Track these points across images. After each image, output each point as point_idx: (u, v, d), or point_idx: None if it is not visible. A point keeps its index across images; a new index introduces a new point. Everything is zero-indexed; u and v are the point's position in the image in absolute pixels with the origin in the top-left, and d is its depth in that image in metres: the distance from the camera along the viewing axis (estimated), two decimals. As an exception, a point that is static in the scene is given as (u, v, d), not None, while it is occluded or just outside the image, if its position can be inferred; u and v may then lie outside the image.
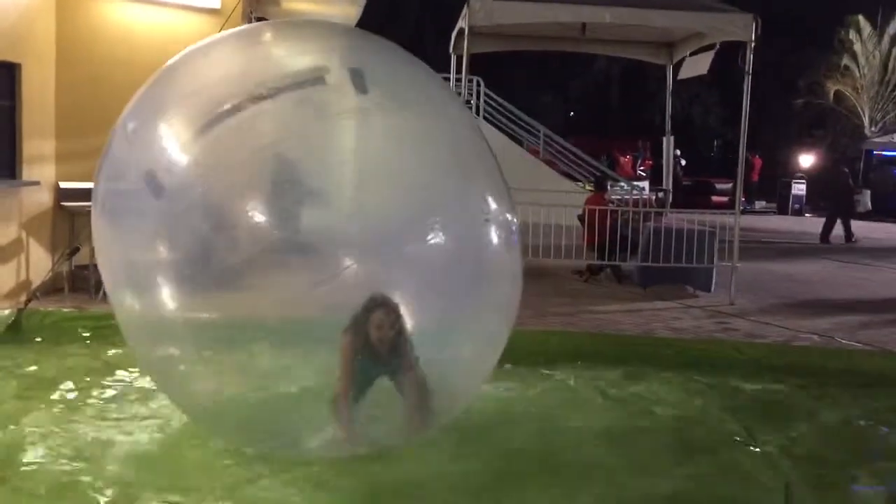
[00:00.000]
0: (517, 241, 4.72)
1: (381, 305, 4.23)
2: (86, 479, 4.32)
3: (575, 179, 19.19)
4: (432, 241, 4.27)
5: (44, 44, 8.70)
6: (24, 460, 4.54)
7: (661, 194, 13.00)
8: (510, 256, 4.63)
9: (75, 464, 4.51)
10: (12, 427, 4.99)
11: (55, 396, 5.57)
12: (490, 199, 4.55)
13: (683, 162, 27.07)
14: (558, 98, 39.37)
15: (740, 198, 10.69)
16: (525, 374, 6.48)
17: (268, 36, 4.84)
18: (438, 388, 4.52)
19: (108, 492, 4.20)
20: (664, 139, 13.59)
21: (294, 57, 4.63)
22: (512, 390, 6.14)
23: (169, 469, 4.51)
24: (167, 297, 4.15)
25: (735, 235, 10.28)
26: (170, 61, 4.68)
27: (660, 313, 9.49)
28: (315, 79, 4.41)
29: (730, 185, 26.87)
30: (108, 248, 4.48)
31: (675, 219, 11.80)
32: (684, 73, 12.06)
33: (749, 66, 10.05)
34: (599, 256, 11.36)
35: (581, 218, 11.79)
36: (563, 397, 6.16)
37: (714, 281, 10.68)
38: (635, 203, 12.83)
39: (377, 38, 4.84)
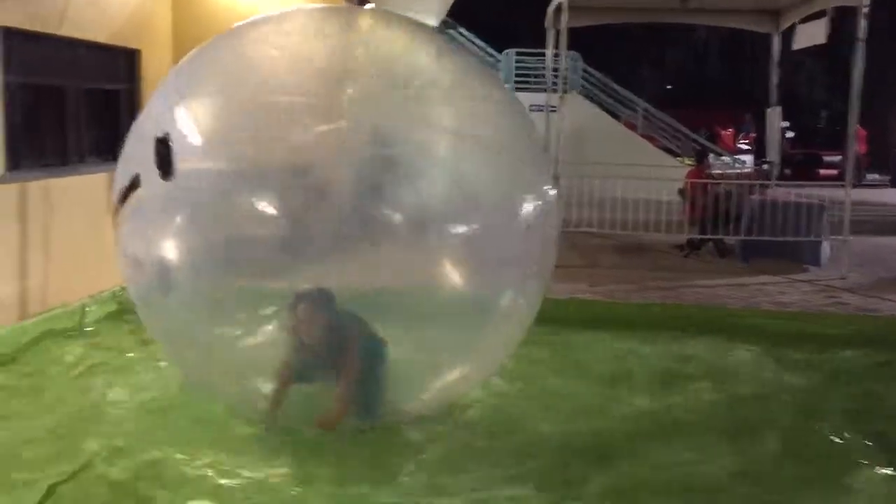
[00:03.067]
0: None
1: (303, 300, 4.18)
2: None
3: (675, 154, 18.84)
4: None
5: (161, 30, 9.11)
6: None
7: (766, 166, 12.63)
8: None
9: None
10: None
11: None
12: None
13: (791, 134, 26.12)
14: (656, 71, 38.49)
15: (852, 169, 10.30)
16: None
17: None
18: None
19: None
20: (768, 110, 13.18)
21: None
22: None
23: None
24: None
25: (846, 208, 9.95)
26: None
27: (765, 287, 9.30)
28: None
29: (839, 158, 25.81)
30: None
31: (782, 192, 11.47)
32: (799, 43, 11.62)
33: (862, 32, 9.67)
34: (701, 231, 11.19)
35: (682, 192, 11.62)
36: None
37: (824, 255, 10.36)
38: (738, 176, 12.50)
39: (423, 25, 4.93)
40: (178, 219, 4.31)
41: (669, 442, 4.69)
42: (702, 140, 20.00)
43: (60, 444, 4.44)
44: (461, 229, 4.28)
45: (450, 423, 4.79)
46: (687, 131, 19.23)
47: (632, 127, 19.75)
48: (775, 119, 12.97)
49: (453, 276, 4.39)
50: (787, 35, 12.70)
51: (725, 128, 28.52)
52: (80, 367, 5.80)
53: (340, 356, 4.36)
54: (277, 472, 4.15)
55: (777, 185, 12.33)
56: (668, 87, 39.03)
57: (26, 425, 4.74)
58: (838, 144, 27.36)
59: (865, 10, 9.59)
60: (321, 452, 4.32)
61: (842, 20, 11.59)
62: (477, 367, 4.81)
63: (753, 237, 10.36)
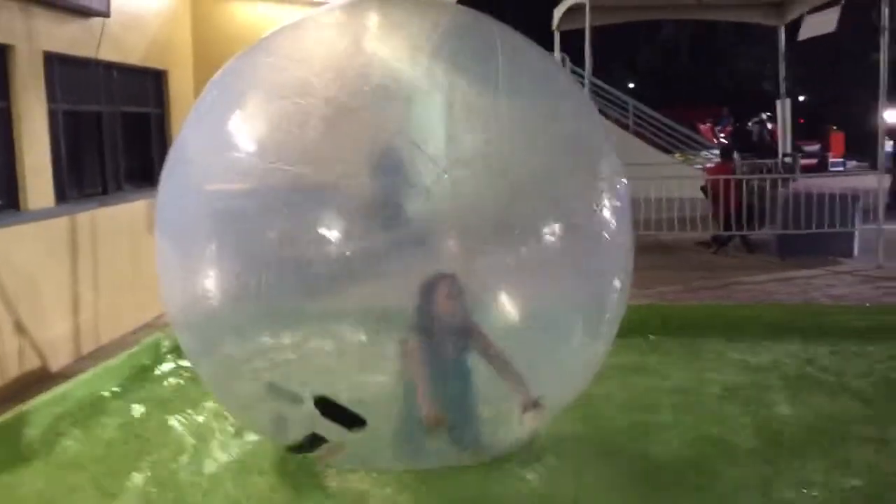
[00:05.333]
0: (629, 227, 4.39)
1: (442, 278, 3.89)
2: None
3: (666, 150, 18.85)
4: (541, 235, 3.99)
5: (183, 49, 8.82)
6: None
7: (788, 159, 12.65)
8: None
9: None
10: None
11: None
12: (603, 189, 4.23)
13: (770, 125, 26.41)
14: (626, 71, 38.73)
15: (883, 154, 10.27)
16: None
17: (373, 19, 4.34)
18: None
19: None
20: (777, 102, 13.22)
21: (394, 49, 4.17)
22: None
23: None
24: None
25: (880, 196, 9.95)
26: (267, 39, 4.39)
27: (812, 281, 9.24)
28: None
29: (817, 147, 26.25)
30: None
31: (804, 184, 11.47)
32: (806, 33, 11.65)
33: (885, 21, 9.70)
34: (726, 227, 11.14)
35: (704, 189, 11.57)
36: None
37: (856, 246, 10.37)
38: (762, 170, 12.45)
39: (482, 17, 4.44)
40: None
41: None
42: (695, 136, 20.01)
43: None
44: (547, 236, 3.99)
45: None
46: (685, 130, 19.24)
47: (623, 126, 19.74)
48: (786, 111, 13.01)
49: (539, 286, 4.06)
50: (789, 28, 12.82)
51: (703, 122, 28.84)
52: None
53: (470, 337, 4.04)
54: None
55: (805, 177, 12.35)
56: (630, 85, 39.30)
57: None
58: (815, 134, 27.85)
59: (889, -2, 9.62)
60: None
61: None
62: (569, 385, 4.39)
63: (789, 231, 10.30)
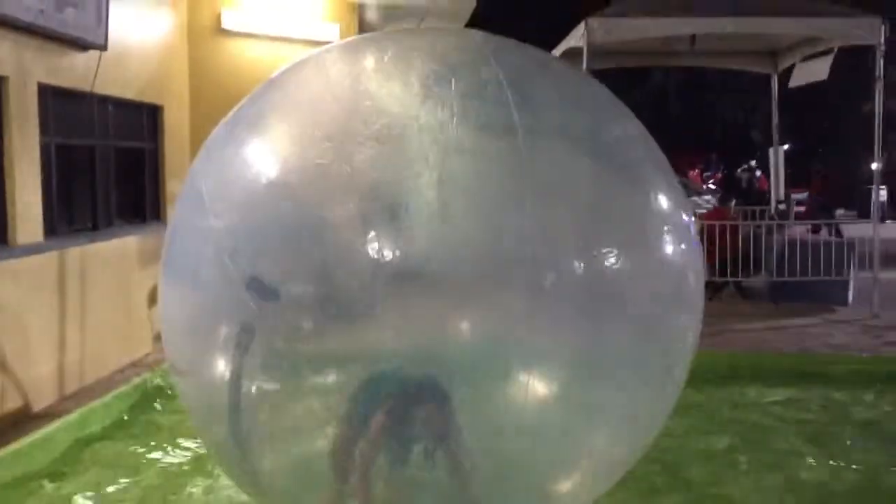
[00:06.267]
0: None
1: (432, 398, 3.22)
2: None
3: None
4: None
5: (179, 84, 8.75)
6: None
7: (782, 206, 12.67)
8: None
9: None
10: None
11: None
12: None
13: (759, 173, 26.61)
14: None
15: (878, 204, 10.28)
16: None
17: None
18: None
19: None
20: (770, 150, 13.27)
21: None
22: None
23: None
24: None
25: (875, 244, 9.91)
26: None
27: (808, 330, 9.16)
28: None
29: (805, 195, 26.46)
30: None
31: (799, 231, 11.47)
32: (798, 80, 11.75)
33: (880, 71, 9.76)
34: (721, 273, 11.08)
35: (699, 234, 11.52)
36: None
37: (851, 294, 10.32)
38: (754, 217, 12.43)
39: (504, 42, 4.03)
40: None
41: None
42: (685, 181, 20.07)
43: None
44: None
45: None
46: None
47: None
48: (779, 158, 13.05)
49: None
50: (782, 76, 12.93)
51: (692, 167, 29.03)
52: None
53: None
54: None
55: (797, 224, 12.35)
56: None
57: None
58: (802, 182, 28.07)
59: (883, 48, 9.69)
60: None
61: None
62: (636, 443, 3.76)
63: (784, 278, 10.25)
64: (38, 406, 6.09)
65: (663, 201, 3.76)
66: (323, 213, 3.55)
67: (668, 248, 3.71)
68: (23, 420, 5.76)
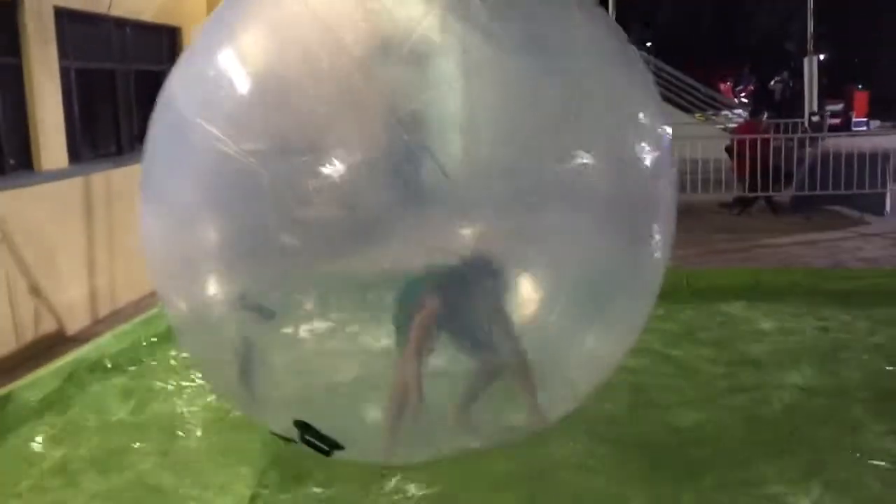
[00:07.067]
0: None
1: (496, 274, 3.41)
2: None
3: (686, 110, 18.43)
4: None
5: (196, 4, 8.59)
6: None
7: (816, 118, 12.33)
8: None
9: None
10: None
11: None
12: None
13: (791, 83, 25.92)
14: (645, 29, 38.05)
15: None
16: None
17: None
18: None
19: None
20: (805, 59, 12.87)
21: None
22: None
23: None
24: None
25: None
26: None
27: (839, 244, 9.01)
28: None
29: (840, 106, 25.72)
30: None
31: (832, 144, 11.18)
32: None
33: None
34: (751, 188, 10.88)
35: (729, 149, 11.30)
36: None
37: (888, 204, 10.12)
38: (787, 130, 12.15)
39: None
40: None
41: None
42: (713, 94, 19.60)
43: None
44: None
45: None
46: (705, 89, 18.80)
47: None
48: (813, 68, 12.67)
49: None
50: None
51: (723, 81, 28.33)
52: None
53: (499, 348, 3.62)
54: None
55: (830, 136, 12.03)
56: (648, 44, 38.50)
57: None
58: (837, 93, 27.26)
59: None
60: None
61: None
62: (617, 341, 4.03)
63: (816, 192, 10.06)
64: (71, 329, 6.21)
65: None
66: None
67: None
68: (58, 343, 5.89)
